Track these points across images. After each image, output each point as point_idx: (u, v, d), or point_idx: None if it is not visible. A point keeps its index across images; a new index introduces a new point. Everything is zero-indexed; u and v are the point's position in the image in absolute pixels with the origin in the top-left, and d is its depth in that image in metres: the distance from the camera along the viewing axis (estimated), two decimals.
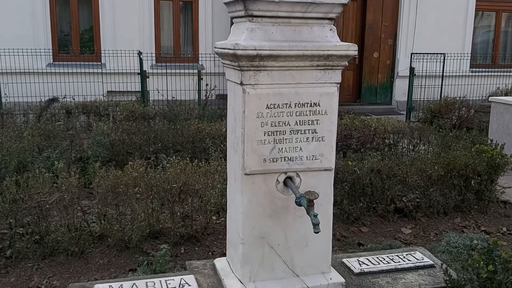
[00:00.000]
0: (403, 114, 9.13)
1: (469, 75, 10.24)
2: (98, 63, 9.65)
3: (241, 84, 2.12)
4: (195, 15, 10.30)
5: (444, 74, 9.15)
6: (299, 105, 2.19)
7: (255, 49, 2.02)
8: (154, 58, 9.75)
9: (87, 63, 9.56)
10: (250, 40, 2.04)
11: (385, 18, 10.25)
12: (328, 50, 2.12)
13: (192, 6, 10.31)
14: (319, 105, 2.22)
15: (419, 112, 8.48)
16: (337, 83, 2.23)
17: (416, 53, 9.00)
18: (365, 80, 10.45)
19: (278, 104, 2.17)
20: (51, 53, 9.41)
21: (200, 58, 9.89)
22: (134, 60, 8.93)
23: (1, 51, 8.30)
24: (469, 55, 10.53)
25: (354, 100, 10.60)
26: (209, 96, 8.63)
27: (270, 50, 2.04)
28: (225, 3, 2.22)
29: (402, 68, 10.16)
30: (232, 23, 2.35)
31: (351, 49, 2.15)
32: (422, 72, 8.94)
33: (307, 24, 2.13)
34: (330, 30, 2.17)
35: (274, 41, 2.07)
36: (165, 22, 10.33)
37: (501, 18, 11.20)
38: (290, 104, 2.18)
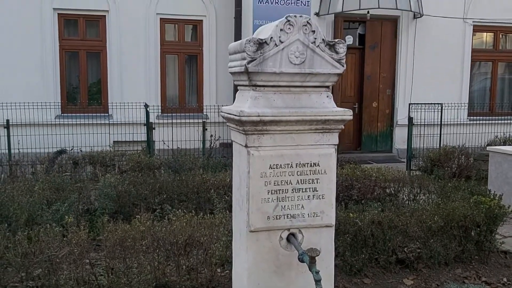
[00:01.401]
0: (404, 162, 9.27)
1: (467, 123, 10.46)
2: (105, 114, 9.93)
3: (246, 146, 2.29)
4: (200, 67, 10.67)
5: (443, 122, 9.36)
6: (300, 165, 2.35)
7: (258, 116, 2.20)
8: (160, 109, 10.03)
9: (94, 114, 9.85)
10: (254, 107, 2.22)
11: (383, 70, 10.60)
12: (326, 116, 2.29)
13: (197, 59, 10.70)
14: (318, 165, 2.37)
15: (419, 160, 8.62)
16: (335, 144, 2.40)
17: (414, 103, 9.25)
18: (365, 128, 10.68)
19: (281, 165, 2.33)
20: (59, 106, 9.71)
21: (204, 109, 10.16)
22: (140, 111, 9.19)
23: (11, 104, 8.59)
24: (467, 104, 10.79)
25: (355, 148, 10.78)
26: (214, 146, 8.83)
27: (272, 116, 2.22)
28: (231, 73, 2.42)
29: (401, 117, 10.41)
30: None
31: (347, 114, 2.33)
32: (421, 121, 9.16)
33: (306, 91, 2.32)
34: (327, 96, 2.35)
35: (275, 107, 2.26)
36: (170, 74, 10.70)
37: (497, 67, 11.55)
38: (291, 164, 2.34)
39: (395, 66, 10.67)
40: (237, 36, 10.24)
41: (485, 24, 10.95)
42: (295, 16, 2.22)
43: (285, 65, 2.21)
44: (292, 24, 2.20)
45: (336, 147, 2.41)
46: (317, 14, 9.91)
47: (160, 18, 10.29)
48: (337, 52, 2.29)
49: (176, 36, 10.66)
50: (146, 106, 8.55)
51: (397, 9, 9.55)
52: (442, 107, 9.24)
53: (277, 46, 2.18)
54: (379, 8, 9.39)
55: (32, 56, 9.49)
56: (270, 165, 2.31)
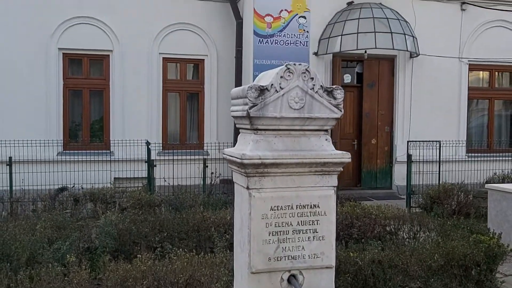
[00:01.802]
0: (404, 199, 9.29)
1: (466, 160, 10.54)
2: (106, 151, 10.03)
3: (248, 188, 2.35)
4: (201, 105, 10.85)
5: (441, 159, 9.44)
6: (300, 206, 2.41)
7: (259, 158, 2.27)
8: (161, 146, 10.13)
9: (96, 151, 9.94)
10: (255, 150, 2.30)
11: (381, 107, 10.77)
12: (325, 158, 2.37)
13: (198, 96, 10.89)
14: (318, 206, 2.43)
15: (419, 197, 8.65)
16: (334, 186, 2.46)
17: (413, 141, 9.36)
18: (364, 165, 10.75)
19: (281, 206, 2.38)
20: (62, 143, 9.81)
21: (205, 146, 10.27)
22: (141, 148, 9.28)
23: (14, 142, 8.69)
24: (465, 142, 10.91)
25: (355, 185, 10.82)
26: (214, 183, 8.87)
27: (273, 159, 2.30)
28: (233, 117, 2.52)
29: (400, 154, 10.50)
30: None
31: (345, 157, 2.41)
32: (420, 158, 9.23)
33: (305, 135, 2.40)
34: (326, 140, 2.44)
35: (276, 150, 2.33)
36: (172, 112, 10.87)
37: (494, 105, 11.73)
38: (292, 206, 2.40)
39: (393, 104, 10.85)
40: (238, 74, 10.48)
41: (481, 63, 11.20)
42: (294, 64, 2.33)
43: (285, 110, 2.30)
44: (292, 72, 2.31)
45: (335, 188, 2.47)
46: (315, 53, 10.16)
47: (163, 57, 10.55)
48: (335, 98, 2.38)
49: (178, 74, 10.90)
50: (148, 143, 8.65)
51: (393, 49, 9.79)
52: (440, 145, 9.34)
53: (277, 92, 2.28)
54: (376, 48, 9.63)
55: (37, 94, 9.67)
56: (271, 207, 2.36)
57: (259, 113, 2.25)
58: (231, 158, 2.42)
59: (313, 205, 2.42)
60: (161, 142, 10.31)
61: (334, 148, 2.45)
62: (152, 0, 10.31)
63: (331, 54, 10.19)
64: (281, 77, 2.28)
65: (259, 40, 9.87)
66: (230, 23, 10.59)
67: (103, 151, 10.01)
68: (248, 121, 2.31)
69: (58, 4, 9.77)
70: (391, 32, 9.65)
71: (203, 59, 10.82)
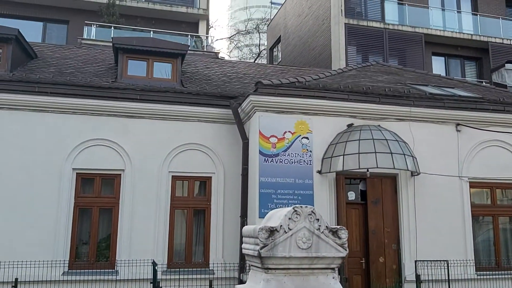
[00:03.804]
0: None
1: (475, 279, 10.32)
2: (111, 270, 9.94)
3: None
4: (207, 221, 10.97)
5: (450, 279, 9.27)
6: None
7: None
8: (166, 265, 10.06)
9: (101, 270, 9.86)
10: None
11: (387, 224, 10.83)
12: None
13: (205, 213, 11.05)
14: None
15: None
16: None
17: (420, 261, 9.28)
18: (373, 285, 10.50)
19: None
20: (67, 262, 9.78)
21: (210, 265, 10.19)
22: (147, 268, 9.23)
23: (20, 263, 8.70)
24: (472, 261, 10.74)
25: None
26: None
27: None
28: (245, 254, 2.68)
29: (409, 272, 10.31)
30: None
31: None
32: (429, 277, 9.09)
33: (313, 273, 2.55)
34: (333, 278, 2.57)
35: None
36: (178, 229, 10.94)
37: (498, 221, 11.76)
38: None
39: (398, 221, 10.91)
40: (244, 191, 10.75)
41: (481, 181, 11.46)
42: (301, 206, 2.55)
43: (294, 250, 2.48)
44: (299, 214, 2.52)
45: None
46: (319, 172, 10.51)
47: (172, 176, 10.92)
48: (339, 237, 2.57)
49: (185, 191, 11.18)
50: (154, 264, 8.63)
51: (394, 168, 10.14)
52: (448, 264, 9.25)
53: (286, 233, 2.48)
54: (377, 167, 9.98)
55: (47, 213, 9.85)
56: None
57: (269, 253, 2.42)
58: None
59: None
60: (166, 260, 10.26)
61: (341, 286, 2.57)
62: (164, 123, 10.96)
63: (334, 173, 10.53)
64: (289, 218, 2.49)
65: (265, 159, 10.29)
66: (237, 142, 11.13)
67: (109, 270, 9.93)
68: (259, 260, 2.48)
69: (75, 128, 10.39)
70: (391, 153, 10.08)
71: (211, 177, 11.18)
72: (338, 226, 2.55)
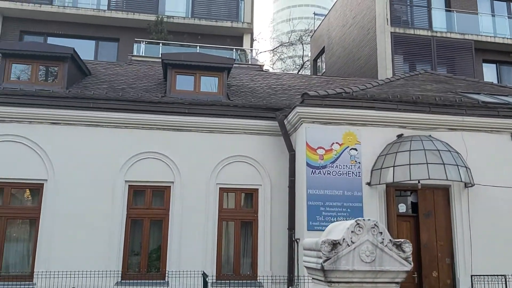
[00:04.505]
0: None
1: None
2: (162, 281, 10.12)
3: None
4: (255, 233, 10.99)
5: None
6: None
7: None
8: (214, 277, 10.14)
9: (152, 281, 10.06)
10: None
11: (440, 238, 10.48)
12: None
13: (252, 225, 11.08)
14: None
15: None
16: None
17: (476, 275, 8.91)
18: None
19: None
20: (120, 273, 10.04)
21: (259, 277, 10.18)
22: (196, 280, 9.33)
23: (77, 273, 9.01)
24: None
25: None
26: None
27: None
28: (306, 267, 2.67)
29: (464, 287, 9.91)
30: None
31: None
32: None
33: (377, 287, 2.50)
34: None
35: None
36: (226, 241, 11.02)
37: None
38: None
39: (451, 234, 10.53)
40: (292, 204, 10.71)
41: None
42: (363, 219, 2.53)
43: (357, 263, 2.45)
44: (362, 227, 2.50)
45: None
46: (368, 183, 10.34)
47: (220, 188, 11.04)
48: (403, 251, 2.52)
49: (232, 203, 11.26)
50: (205, 276, 8.72)
51: (447, 179, 9.83)
52: (506, 279, 8.82)
53: (349, 246, 2.46)
54: (429, 179, 9.71)
55: (101, 225, 10.17)
56: None
57: (332, 267, 2.40)
58: None
59: None
60: (215, 271, 10.34)
61: None
62: (211, 135, 11.14)
63: (384, 184, 10.32)
64: (351, 231, 2.47)
65: (312, 171, 10.23)
66: (283, 154, 11.13)
67: (159, 281, 10.11)
68: (322, 273, 2.47)
69: (127, 141, 10.72)
70: (444, 163, 9.79)
71: (257, 189, 11.22)
72: (402, 240, 2.50)
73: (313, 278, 2.64)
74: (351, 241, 2.45)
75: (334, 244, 2.43)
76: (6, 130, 10.36)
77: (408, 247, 2.47)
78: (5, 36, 18.93)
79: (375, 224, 2.46)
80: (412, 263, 2.48)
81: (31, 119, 10.48)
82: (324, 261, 2.38)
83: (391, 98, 10.80)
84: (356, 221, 2.49)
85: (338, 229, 2.57)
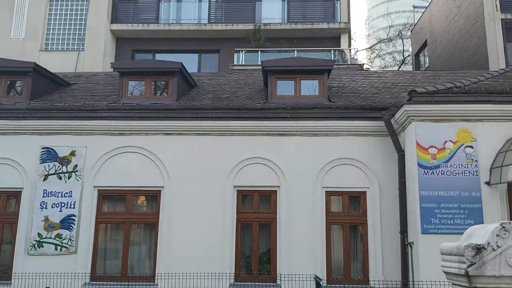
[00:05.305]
0: None
1: None
2: (274, 283, 10.28)
3: None
4: (364, 237, 10.72)
5: None
6: None
7: None
8: (325, 280, 10.07)
9: (264, 283, 10.26)
10: None
11: None
12: None
13: (361, 229, 10.83)
14: None
15: None
16: None
17: None
18: None
19: None
20: (233, 275, 10.38)
21: (371, 282, 9.92)
22: (308, 284, 9.33)
23: (193, 274, 9.48)
24: None
25: None
26: None
27: None
28: (445, 272, 2.55)
29: None
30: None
31: None
32: None
33: None
34: None
35: None
36: (335, 245, 10.88)
37: None
38: None
39: None
40: (403, 206, 10.30)
41: None
42: (509, 222, 2.35)
43: (504, 268, 2.29)
44: (508, 230, 2.32)
45: None
46: (487, 183, 9.61)
47: (326, 191, 10.95)
48: None
49: (340, 206, 11.10)
50: (318, 279, 8.71)
51: None
52: None
53: (494, 250, 2.30)
54: None
55: (214, 229, 10.62)
56: None
57: (477, 272, 2.27)
58: None
59: None
60: (325, 276, 10.26)
61: None
62: (314, 138, 11.10)
63: (506, 183, 9.53)
64: (497, 235, 2.31)
65: (424, 171, 9.76)
66: (392, 155, 10.74)
67: (271, 283, 10.28)
68: (466, 279, 2.33)
69: (233, 148, 11.09)
70: None
71: (365, 191, 10.95)
72: None
73: (453, 284, 2.51)
74: (497, 245, 2.29)
75: (478, 249, 2.29)
76: (127, 142, 11.27)
77: None
78: (119, 55, 20.65)
79: None
80: None
81: (147, 131, 11.29)
82: (468, 266, 2.25)
83: (509, 90, 9.95)
84: (501, 224, 2.32)
85: (480, 233, 2.42)
